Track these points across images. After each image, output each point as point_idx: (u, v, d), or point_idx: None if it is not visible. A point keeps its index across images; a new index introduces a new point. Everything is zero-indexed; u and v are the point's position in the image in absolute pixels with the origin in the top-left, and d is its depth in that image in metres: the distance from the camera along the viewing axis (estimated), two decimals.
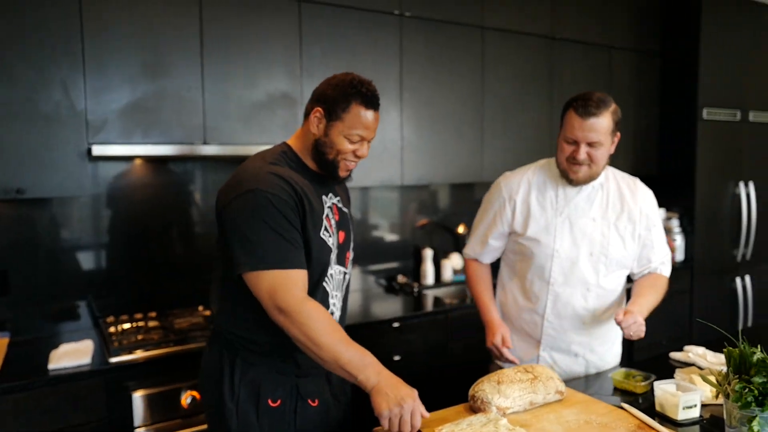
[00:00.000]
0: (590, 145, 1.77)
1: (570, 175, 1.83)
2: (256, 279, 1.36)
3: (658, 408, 1.51)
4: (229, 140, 2.44)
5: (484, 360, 2.07)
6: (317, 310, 1.36)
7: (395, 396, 1.27)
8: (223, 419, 1.48)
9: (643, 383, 1.65)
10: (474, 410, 1.44)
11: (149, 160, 2.58)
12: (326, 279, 1.53)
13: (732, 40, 3.93)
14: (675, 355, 1.96)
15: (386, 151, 2.86)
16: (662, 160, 3.96)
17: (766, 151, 4.25)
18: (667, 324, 3.68)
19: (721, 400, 1.54)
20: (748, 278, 4.17)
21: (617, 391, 1.69)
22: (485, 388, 1.45)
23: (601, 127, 1.75)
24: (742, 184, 4.06)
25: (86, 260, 2.49)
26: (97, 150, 2.12)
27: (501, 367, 1.82)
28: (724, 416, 1.31)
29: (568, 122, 1.79)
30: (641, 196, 1.93)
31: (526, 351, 1.96)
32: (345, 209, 1.67)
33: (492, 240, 1.98)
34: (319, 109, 1.48)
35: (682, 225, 3.86)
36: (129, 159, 2.52)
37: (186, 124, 2.35)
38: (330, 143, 1.48)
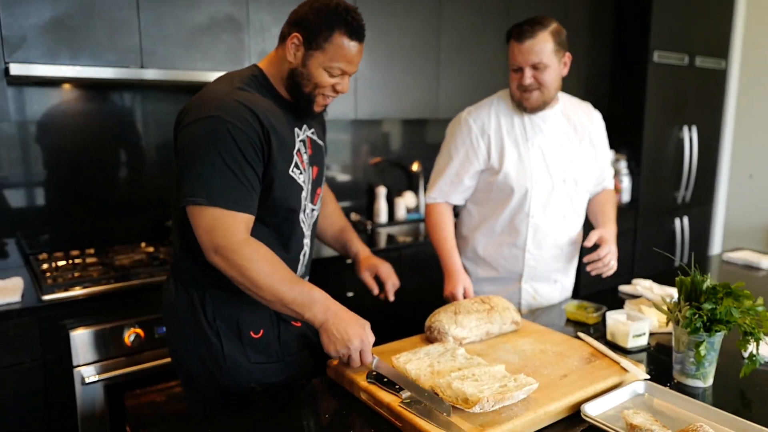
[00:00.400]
0: (534, 68, 1.74)
1: (523, 102, 1.80)
2: (197, 213, 1.26)
3: (609, 337, 1.54)
4: (169, 65, 2.25)
5: (438, 299, 2.06)
6: (258, 251, 1.27)
7: (342, 336, 1.25)
8: (205, 359, 1.40)
9: (595, 314, 1.68)
10: (430, 341, 1.43)
11: (80, 85, 2.37)
12: (301, 218, 1.45)
13: None
14: (624, 288, 2.00)
15: None
16: (613, 102, 4.00)
17: (709, 96, 4.36)
18: None
19: (667, 328, 1.59)
20: (686, 219, 4.34)
21: (570, 322, 1.72)
22: (442, 318, 1.44)
23: (540, 48, 1.72)
24: (686, 128, 4.17)
25: (13, 196, 2.30)
26: (16, 69, 1.90)
27: None
28: (673, 342, 1.34)
29: (509, 50, 1.78)
30: (596, 119, 1.99)
31: (506, 286, 1.96)
32: (320, 142, 1.55)
33: (467, 179, 1.91)
34: (297, 35, 1.32)
35: (629, 167, 3.94)
36: (56, 83, 2.29)
37: (120, 46, 2.15)
38: (307, 75, 1.34)
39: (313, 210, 1.52)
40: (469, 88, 3.21)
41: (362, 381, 1.22)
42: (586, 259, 1.83)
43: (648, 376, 1.29)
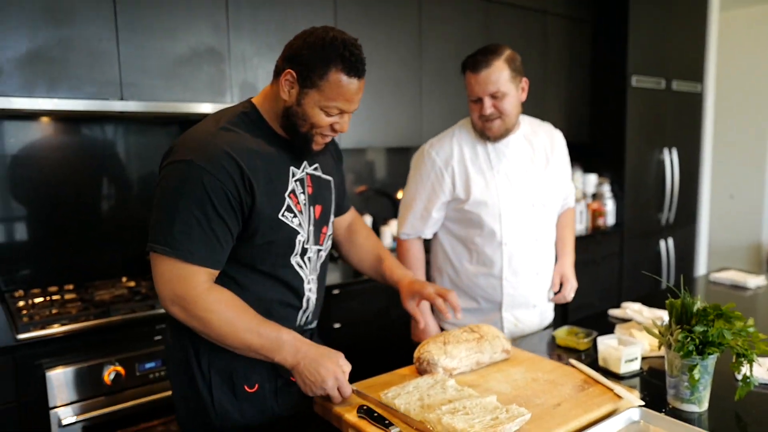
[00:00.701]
0: (493, 97, 1.75)
1: (486, 132, 1.81)
2: (157, 261, 1.19)
3: (601, 363, 1.52)
4: (149, 97, 2.23)
5: None
6: (219, 299, 1.20)
7: (315, 379, 1.21)
8: (200, 412, 1.33)
9: (585, 339, 1.65)
10: (420, 372, 1.39)
11: (59, 118, 2.34)
12: (297, 262, 1.35)
13: (658, 11, 4.02)
14: (613, 312, 1.98)
15: None
16: (594, 128, 4.05)
17: (687, 118, 4.44)
18: (599, 285, 3.80)
19: (659, 352, 1.57)
20: (671, 240, 4.37)
21: (560, 348, 1.69)
22: (431, 349, 1.40)
23: (497, 77, 1.72)
24: (666, 151, 4.22)
25: None
26: None
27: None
28: (666, 367, 1.32)
29: (467, 82, 1.78)
30: (558, 140, 1.98)
31: (487, 316, 1.92)
32: (326, 177, 1.45)
33: (435, 212, 1.89)
34: (291, 71, 1.23)
35: (613, 190, 3.98)
36: (33, 116, 2.26)
37: (99, 78, 2.13)
38: (302, 114, 1.25)
39: (319, 251, 1.43)
40: (453, 115, 3.22)
41: (351, 417, 1.18)
42: (551, 300, 2.00)
43: (642, 403, 1.26)
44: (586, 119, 4.06)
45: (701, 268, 4.82)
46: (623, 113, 3.87)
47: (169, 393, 2.02)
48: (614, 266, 3.97)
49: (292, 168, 1.34)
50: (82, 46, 2.08)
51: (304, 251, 1.36)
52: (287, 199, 1.31)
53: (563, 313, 3.54)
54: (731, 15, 4.79)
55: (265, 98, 1.32)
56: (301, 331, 1.42)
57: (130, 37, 2.18)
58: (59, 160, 2.37)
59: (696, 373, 1.24)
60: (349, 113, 1.29)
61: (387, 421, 1.12)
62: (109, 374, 1.90)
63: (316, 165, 1.42)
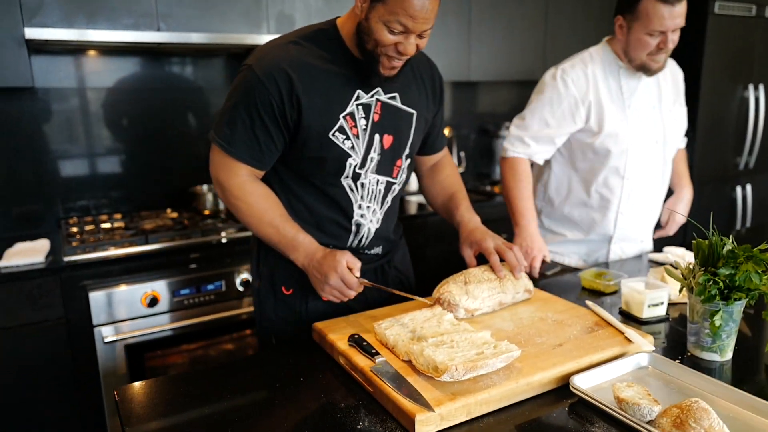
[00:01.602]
0: (673, 31, 1.72)
1: (653, 66, 1.77)
2: (213, 148, 1.34)
3: (623, 306, 1.43)
4: (185, 28, 2.23)
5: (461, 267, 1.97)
6: (251, 192, 1.32)
7: (320, 277, 1.27)
8: (256, 309, 1.53)
9: (612, 282, 1.55)
10: None
11: (104, 52, 2.40)
12: (349, 185, 1.37)
13: None
14: (654, 256, 1.86)
15: None
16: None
17: None
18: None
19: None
20: (749, 187, 4.01)
21: (585, 290, 1.60)
22: (451, 289, 1.31)
23: (684, 11, 1.71)
24: (751, 87, 3.81)
25: (46, 163, 2.38)
26: (32, 33, 1.93)
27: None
28: (687, 312, 1.21)
29: (653, 14, 1.68)
30: (679, 77, 1.99)
31: (595, 247, 1.98)
32: (406, 108, 1.41)
33: (558, 139, 1.85)
34: None
35: None
36: (74, 48, 2.32)
37: (136, 10, 2.15)
38: (368, 30, 1.22)
39: (390, 183, 1.42)
40: (503, 51, 3.05)
41: (341, 344, 1.17)
42: (654, 236, 2.04)
43: (653, 348, 1.17)
44: None
45: None
46: (702, 43, 3.49)
47: (204, 318, 2.12)
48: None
49: (359, 91, 1.33)
50: None
51: (356, 176, 1.36)
52: (341, 120, 1.31)
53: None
54: None
55: (348, 17, 1.32)
56: (360, 255, 1.43)
57: None
58: (110, 97, 2.45)
59: (717, 320, 1.14)
60: (415, 34, 1.22)
61: (374, 351, 1.11)
62: (146, 298, 2.01)
63: (395, 94, 1.38)
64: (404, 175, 1.47)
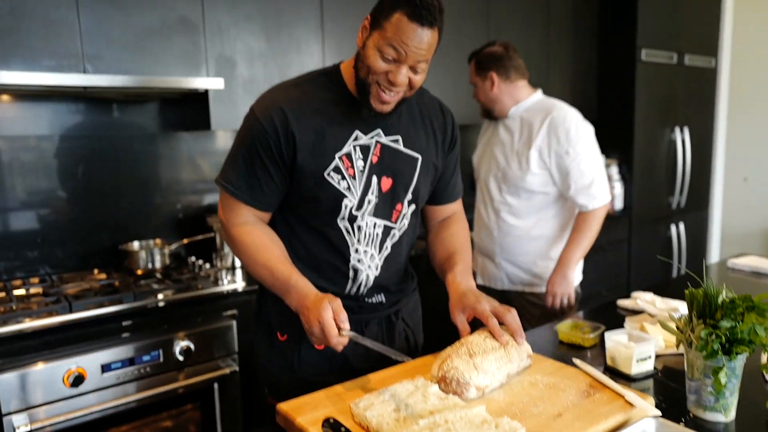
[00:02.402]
0: None
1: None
2: (221, 190, 1.35)
3: (609, 362, 1.34)
4: (115, 71, 2.04)
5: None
6: (250, 233, 1.32)
7: (306, 323, 1.19)
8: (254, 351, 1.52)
9: (591, 335, 1.47)
10: (446, 393, 1.10)
11: (18, 95, 2.16)
12: (345, 227, 1.34)
13: None
14: (623, 302, 1.80)
15: None
16: (601, 104, 3.82)
17: (700, 96, 4.21)
18: (606, 273, 3.60)
19: (676, 348, 1.38)
20: (682, 226, 4.16)
21: (563, 344, 1.51)
22: (457, 365, 1.11)
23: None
24: (677, 130, 4.00)
25: None
26: None
27: None
28: (685, 368, 1.13)
29: None
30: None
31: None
32: (409, 152, 1.36)
33: None
34: (369, 16, 1.23)
35: (621, 173, 3.76)
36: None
37: (58, 50, 1.94)
38: (363, 56, 1.22)
39: (377, 225, 1.36)
40: (448, 91, 3.02)
41: (314, 430, 1.00)
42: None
43: (659, 412, 1.08)
44: (593, 96, 3.84)
45: (714, 254, 4.61)
46: (632, 90, 3.65)
47: (139, 395, 1.87)
48: (622, 253, 3.76)
49: (357, 132, 1.31)
50: (37, 13, 1.90)
51: (353, 218, 1.33)
52: (337, 160, 1.29)
53: None
54: None
55: (352, 60, 1.31)
56: (361, 303, 1.40)
57: (92, 4, 1.99)
58: (27, 145, 2.20)
59: (722, 377, 1.06)
60: (407, 65, 1.19)
61: None
62: (68, 376, 1.73)
63: (398, 137, 1.35)
64: (405, 221, 1.41)
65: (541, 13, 3.41)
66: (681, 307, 1.66)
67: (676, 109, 3.98)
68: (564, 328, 1.53)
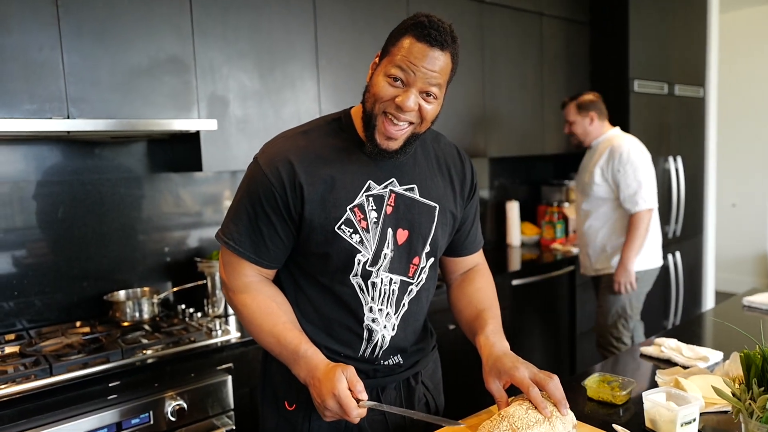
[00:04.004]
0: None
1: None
2: (221, 247, 1.27)
3: (648, 425, 1.23)
4: (102, 114, 1.93)
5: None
6: (254, 297, 1.23)
7: (318, 402, 1.11)
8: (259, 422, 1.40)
9: (622, 393, 1.36)
10: None
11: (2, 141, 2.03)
12: (359, 284, 1.23)
13: (659, 12, 3.81)
14: (646, 350, 1.70)
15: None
16: None
17: (691, 125, 4.22)
18: None
19: (719, 405, 1.29)
20: (678, 255, 4.12)
21: (591, 401, 1.40)
22: None
23: None
24: (671, 159, 3.99)
25: None
26: None
27: None
28: None
29: None
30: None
31: None
32: (426, 201, 1.26)
33: None
34: (379, 53, 1.18)
35: None
36: None
37: (40, 94, 1.83)
38: (370, 87, 1.15)
39: (393, 281, 1.25)
40: (442, 122, 2.96)
41: None
42: None
43: None
44: None
45: (710, 281, 4.58)
46: (626, 120, 3.63)
47: None
48: None
49: (370, 182, 1.21)
50: (18, 56, 1.78)
51: (367, 274, 1.22)
52: (348, 212, 1.19)
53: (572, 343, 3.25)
54: (731, 16, 4.61)
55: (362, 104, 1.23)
56: (376, 366, 1.28)
57: (77, 45, 1.88)
58: (3, 190, 2.06)
59: None
60: (415, 88, 1.10)
61: None
62: None
63: (413, 186, 1.25)
64: (423, 276, 1.30)
65: (534, 46, 3.39)
66: (710, 355, 1.58)
67: (669, 138, 3.97)
68: (592, 383, 1.42)
